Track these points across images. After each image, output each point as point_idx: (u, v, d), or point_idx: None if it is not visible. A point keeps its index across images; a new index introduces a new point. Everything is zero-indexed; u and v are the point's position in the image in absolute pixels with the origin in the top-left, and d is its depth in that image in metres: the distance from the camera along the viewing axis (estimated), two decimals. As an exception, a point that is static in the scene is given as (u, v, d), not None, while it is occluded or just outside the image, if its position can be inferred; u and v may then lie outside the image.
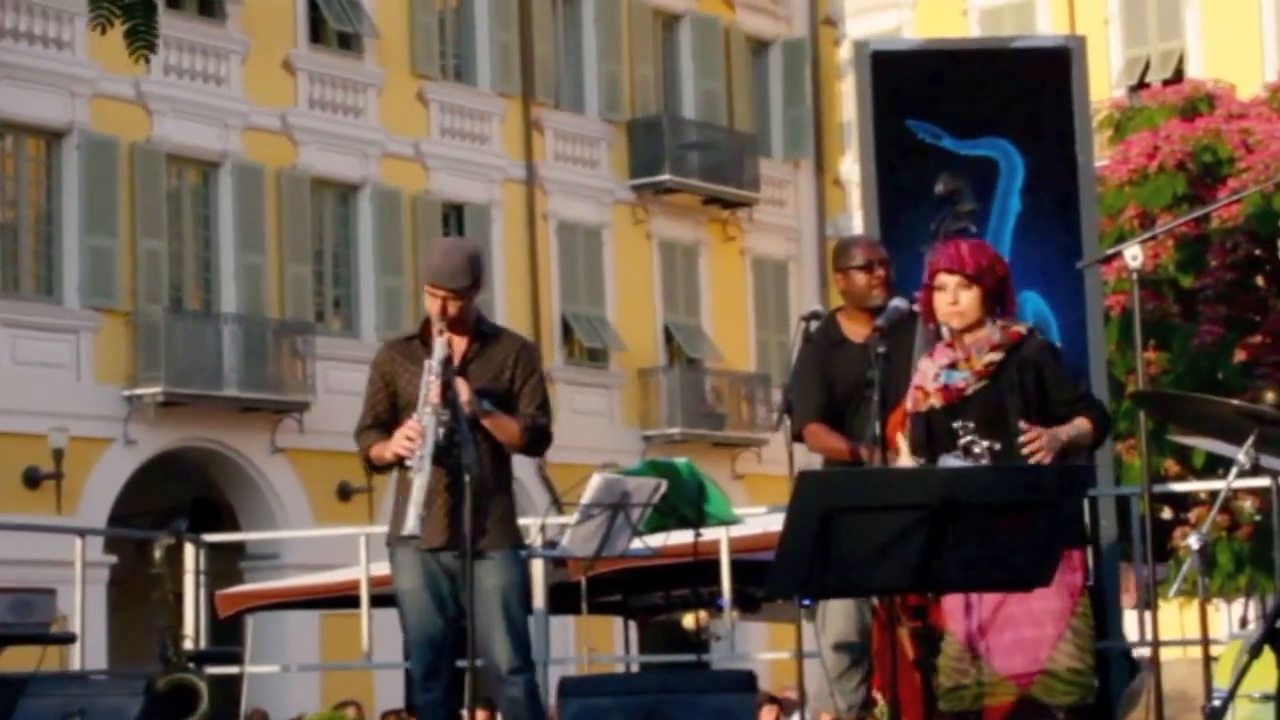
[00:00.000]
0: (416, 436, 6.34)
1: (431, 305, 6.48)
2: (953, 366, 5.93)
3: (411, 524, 6.30)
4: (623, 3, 29.99)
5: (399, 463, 6.48)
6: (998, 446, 5.81)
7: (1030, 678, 5.71)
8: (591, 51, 29.64)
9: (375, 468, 6.71)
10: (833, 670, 6.86)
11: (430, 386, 6.36)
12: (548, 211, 28.62)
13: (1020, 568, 4.87)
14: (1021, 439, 5.78)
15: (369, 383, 6.73)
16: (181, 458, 24.42)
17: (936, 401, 5.90)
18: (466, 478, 6.25)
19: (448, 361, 6.37)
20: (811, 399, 6.86)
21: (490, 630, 6.50)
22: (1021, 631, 5.69)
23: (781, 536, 4.78)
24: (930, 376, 5.94)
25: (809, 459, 6.98)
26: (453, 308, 6.45)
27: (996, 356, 5.88)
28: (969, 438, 5.85)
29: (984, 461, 5.79)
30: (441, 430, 6.35)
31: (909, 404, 5.95)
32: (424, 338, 6.54)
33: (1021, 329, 6.01)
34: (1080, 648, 5.74)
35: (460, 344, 6.54)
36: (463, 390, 6.37)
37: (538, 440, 6.61)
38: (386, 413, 6.59)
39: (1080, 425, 5.90)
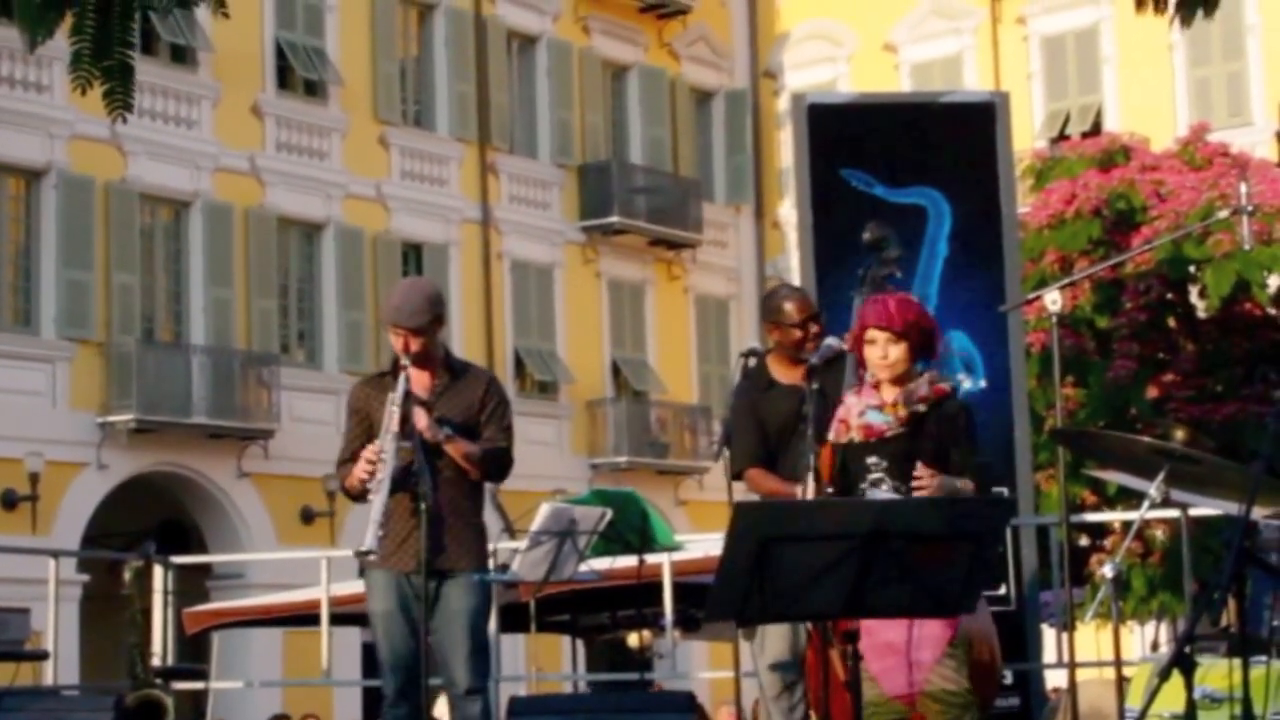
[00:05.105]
0: (375, 459, 6.38)
1: (395, 343, 6.54)
2: (878, 409, 6.04)
3: (369, 541, 6.31)
4: (574, 54, 30.03)
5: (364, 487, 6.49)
6: (903, 488, 5.93)
7: (912, 699, 5.85)
8: (544, 100, 29.66)
9: (353, 497, 6.73)
10: (770, 690, 6.86)
11: (391, 416, 6.40)
12: (502, 251, 28.59)
13: (945, 596, 4.88)
14: (916, 474, 5.91)
15: (346, 421, 6.81)
16: (152, 482, 24.25)
17: (857, 436, 6.02)
18: (423, 505, 6.28)
19: (407, 395, 6.40)
20: (748, 444, 6.90)
21: (453, 650, 6.48)
22: (904, 656, 5.83)
23: (720, 564, 4.78)
24: (855, 413, 6.02)
25: (746, 488, 6.99)
26: (414, 344, 6.51)
27: (920, 409, 6.02)
28: (878, 475, 5.97)
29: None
30: (400, 459, 6.36)
31: (831, 435, 6.02)
32: (394, 373, 6.57)
33: (946, 387, 6.15)
34: (956, 671, 5.86)
35: (426, 378, 6.58)
36: (420, 418, 6.40)
37: (498, 462, 6.60)
38: (363, 447, 6.58)
39: (966, 485, 6.01)
